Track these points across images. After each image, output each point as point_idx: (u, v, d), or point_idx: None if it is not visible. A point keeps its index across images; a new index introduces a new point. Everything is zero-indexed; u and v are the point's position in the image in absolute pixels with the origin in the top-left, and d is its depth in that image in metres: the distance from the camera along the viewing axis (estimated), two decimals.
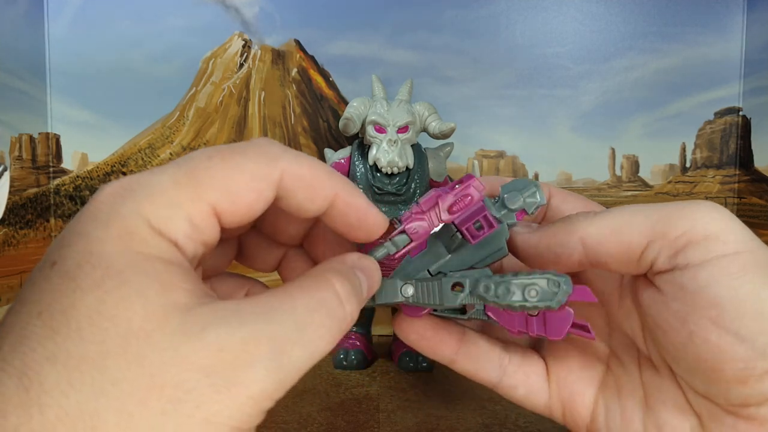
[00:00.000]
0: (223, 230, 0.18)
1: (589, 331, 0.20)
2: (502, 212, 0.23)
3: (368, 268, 0.20)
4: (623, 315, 0.22)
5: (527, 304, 0.20)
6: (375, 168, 0.42)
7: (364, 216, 0.20)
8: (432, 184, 0.44)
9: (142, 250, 0.15)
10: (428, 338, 0.24)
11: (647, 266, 0.20)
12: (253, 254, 0.23)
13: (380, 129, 0.41)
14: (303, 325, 0.16)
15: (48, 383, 0.13)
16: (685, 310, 0.18)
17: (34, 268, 0.16)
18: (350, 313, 0.18)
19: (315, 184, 0.19)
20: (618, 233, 0.20)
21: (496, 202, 0.23)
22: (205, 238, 0.17)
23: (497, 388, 0.25)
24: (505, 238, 0.22)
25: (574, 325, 0.20)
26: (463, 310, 0.23)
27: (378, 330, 0.49)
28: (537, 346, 0.26)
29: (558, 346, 0.25)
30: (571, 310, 0.20)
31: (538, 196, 0.22)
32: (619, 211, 0.20)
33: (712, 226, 0.18)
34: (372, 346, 0.45)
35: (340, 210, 0.20)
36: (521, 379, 0.25)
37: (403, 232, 0.21)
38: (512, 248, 0.22)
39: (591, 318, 0.24)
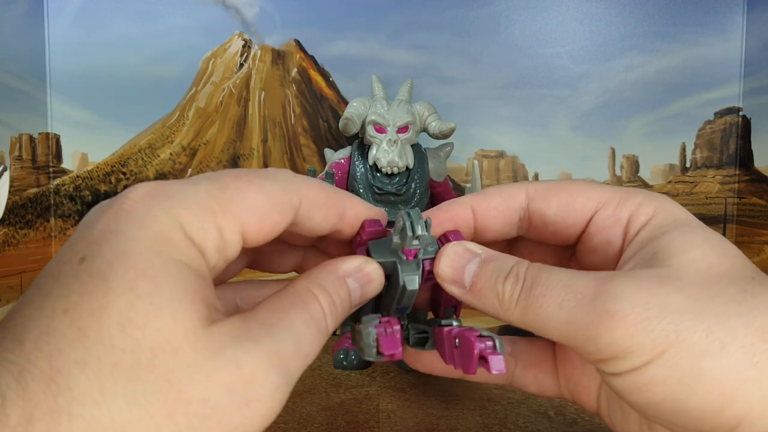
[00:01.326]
0: (244, 249, 0.18)
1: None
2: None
3: (365, 274, 0.21)
4: None
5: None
6: (375, 168, 0.42)
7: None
8: (432, 184, 0.44)
9: (175, 256, 0.15)
10: (438, 368, 0.26)
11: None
12: (270, 260, 0.24)
13: (380, 129, 0.41)
14: (301, 341, 0.17)
15: (78, 390, 0.13)
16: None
17: (57, 261, 0.15)
18: (331, 326, 0.19)
19: (329, 206, 0.20)
20: (543, 332, 0.19)
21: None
22: (228, 252, 0.17)
23: (510, 385, 0.26)
24: (401, 276, 0.21)
25: (481, 358, 0.20)
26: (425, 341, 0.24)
27: None
28: (547, 341, 0.26)
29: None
30: (478, 346, 0.20)
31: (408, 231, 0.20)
32: (545, 307, 0.19)
33: (619, 347, 0.17)
34: None
35: (349, 223, 0.21)
36: (531, 379, 0.25)
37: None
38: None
39: None
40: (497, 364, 0.19)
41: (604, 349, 0.17)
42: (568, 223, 0.22)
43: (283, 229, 0.19)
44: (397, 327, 0.21)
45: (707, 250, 0.18)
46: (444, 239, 0.22)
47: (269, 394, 0.15)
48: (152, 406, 0.13)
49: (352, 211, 0.21)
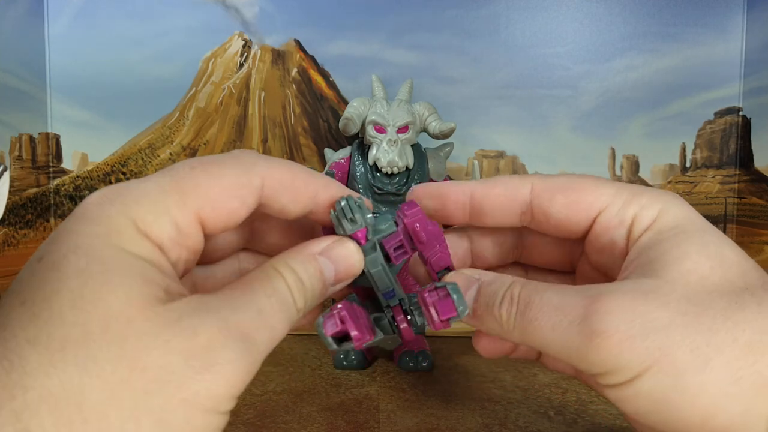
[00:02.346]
0: (207, 237, 0.19)
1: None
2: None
3: (337, 252, 0.20)
4: None
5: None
6: (375, 168, 0.42)
7: None
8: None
9: (127, 248, 0.16)
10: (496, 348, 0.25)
11: None
12: (268, 242, 0.24)
13: (380, 129, 0.41)
14: (263, 311, 0.17)
15: (30, 365, 0.13)
16: None
17: (24, 267, 0.16)
18: (300, 303, 0.19)
19: (297, 186, 0.20)
20: (542, 351, 0.20)
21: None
22: (189, 243, 0.18)
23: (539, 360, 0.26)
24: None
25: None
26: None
27: None
28: None
29: None
30: (428, 299, 0.20)
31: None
32: (539, 328, 0.19)
33: (608, 364, 0.18)
34: (372, 347, 0.45)
35: (323, 206, 0.21)
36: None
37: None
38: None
39: None
40: (444, 308, 0.20)
41: (594, 367, 0.18)
42: (571, 222, 0.22)
43: (246, 213, 0.19)
44: (345, 312, 0.20)
45: (700, 261, 0.19)
46: (400, 213, 0.22)
47: (230, 359, 0.15)
48: (105, 372, 0.14)
49: (326, 194, 0.21)
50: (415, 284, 0.26)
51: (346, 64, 0.54)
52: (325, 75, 0.54)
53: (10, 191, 0.49)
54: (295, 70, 0.55)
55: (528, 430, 0.31)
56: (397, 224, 0.22)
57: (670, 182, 0.54)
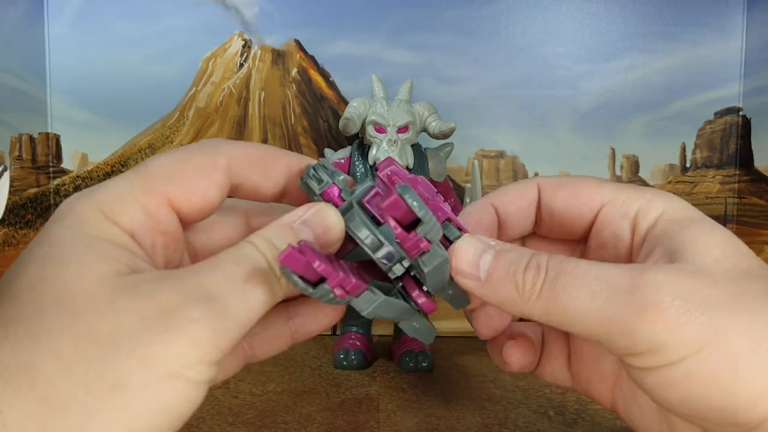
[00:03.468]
0: (188, 222, 0.19)
1: None
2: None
3: (313, 217, 0.18)
4: None
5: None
6: (375, 168, 0.42)
7: None
8: (432, 184, 0.44)
9: (92, 233, 0.16)
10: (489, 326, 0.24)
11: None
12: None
13: (380, 129, 0.41)
14: (231, 276, 0.16)
15: None
16: (654, 399, 0.18)
17: None
18: (276, 269, 0.17)
19: (265, 161, 0.20)
20: (569, 325, 0.18)
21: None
22: (163, 228, 0.18)
23: (534, 373, 0.25)
24: (347, 225, 0.19)
25: None
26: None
27: (378, 330, 0.49)
28: (561, 334, 0.26)
29: (574, 337, 0.25)
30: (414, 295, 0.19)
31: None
32: (574, 297, 0.17)
33: (658, 342, 0.16)
34: (372, 346, 0.45)
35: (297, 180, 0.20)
36: (548, 370, 0.25)
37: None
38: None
39: None
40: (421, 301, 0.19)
41: (640, 344, 0.16)
42: (574, 215, 0.22)
43: (219, 194, 0.19)
44: (306, 246, 0.16)
45: (728, 248, 0.18)
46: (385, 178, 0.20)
47: (193, 317, 0.14)
48: (56, 341, 0.14)
49: (298, 166, 0.20)
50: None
51: (346, 64, 0.54)
52: (325, 75, 0.54)
53: (10, 191, 0.49)
54: (295, 70, 0.55)
55: (528, 430, 0.31)
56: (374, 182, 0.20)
57: (670, 182, 0.54)
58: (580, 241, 0.24)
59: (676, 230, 0.19)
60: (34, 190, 0.53)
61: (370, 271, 0.20)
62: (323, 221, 0.19)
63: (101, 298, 0.14)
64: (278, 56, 0.55)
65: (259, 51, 0.55)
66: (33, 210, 0.53)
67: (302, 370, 0.42)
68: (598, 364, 0.24)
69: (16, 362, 0.13)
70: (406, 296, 0.20)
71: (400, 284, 0.20)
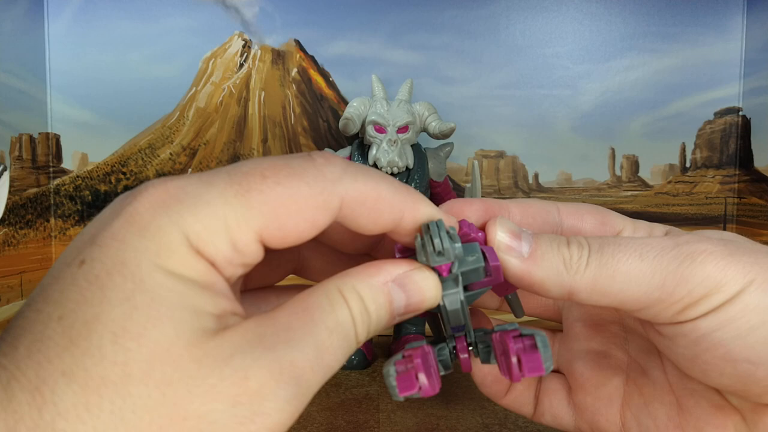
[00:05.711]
0: (269, 251, 0.17)
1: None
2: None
3: (412, 282, 0.17)
4: (638, 320, 0.22)
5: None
6: (375, 168, 0.42)
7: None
8: (432, 184, 0.44)
9: (177, 271, 0.14)
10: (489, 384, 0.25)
11: (647, 321, 0.20)
12: (315, 267, 0.22)
13: (380, 129, 0.41)
14: (322, 350, 0.15)
15: (63, 405, 0.12)
16: (692, 351, 0.18)
17: (61, 260, 0.15)
18: (362, 336, 0.16)
19: (380, 207, 0.17)
20: (620, 292, 0.18)
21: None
22: (246, 261, 0.16)
23: (532, 418, 0.25)
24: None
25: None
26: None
27: None
28: (560, 368, 0.25)
29: (572, 367, 0.24)
30: (514, 348, 0.18)
31: None
32: (624, 261, 0.18)
33: (713, 281, 0.18)
34: (372, 346, 0.45)
35: (407, 228, 0.18)
36: (546, 407, 0.24)
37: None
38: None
39: (604, 324, 0.24)
40: (530, 363, 0.17)
41: (697, 288, 0.17)
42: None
43: (316, 233, 0.17)
44: (419, 360, 0.18)
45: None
46: (463, 235, 0.19)
47: (278, 408, 0.14)
48: (142, 423, 0.13)
49: (412, 215, 0.18)
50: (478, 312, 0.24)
51: (346, 64, 0.54)
52: (325, 75, 0.54)
53: (10, 191, 0.49)
54: (295, 70, 0.55)
55: (528, 430, 0.31)
56: (484, 255, 0.19)
57: (670, 182, 0.54)
58: None
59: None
60: (34, 190, 0.53)
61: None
62: (421, 294, 0.18)
63: (193, 373, 0.13)
64: (278, 56, 0.55)
65: (259, 51, 0.55)
66: (33, 210, 0.53)
67: None
68: (603, 387, 0.23)
69: None
70: (452, 351, 0.20)
71: (453, 343, 0.20)
